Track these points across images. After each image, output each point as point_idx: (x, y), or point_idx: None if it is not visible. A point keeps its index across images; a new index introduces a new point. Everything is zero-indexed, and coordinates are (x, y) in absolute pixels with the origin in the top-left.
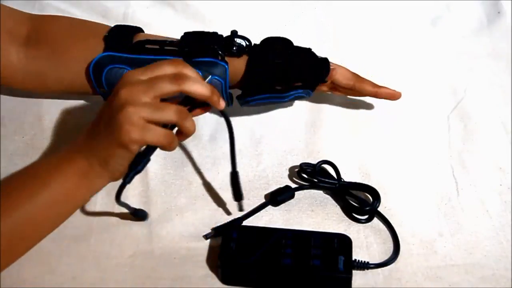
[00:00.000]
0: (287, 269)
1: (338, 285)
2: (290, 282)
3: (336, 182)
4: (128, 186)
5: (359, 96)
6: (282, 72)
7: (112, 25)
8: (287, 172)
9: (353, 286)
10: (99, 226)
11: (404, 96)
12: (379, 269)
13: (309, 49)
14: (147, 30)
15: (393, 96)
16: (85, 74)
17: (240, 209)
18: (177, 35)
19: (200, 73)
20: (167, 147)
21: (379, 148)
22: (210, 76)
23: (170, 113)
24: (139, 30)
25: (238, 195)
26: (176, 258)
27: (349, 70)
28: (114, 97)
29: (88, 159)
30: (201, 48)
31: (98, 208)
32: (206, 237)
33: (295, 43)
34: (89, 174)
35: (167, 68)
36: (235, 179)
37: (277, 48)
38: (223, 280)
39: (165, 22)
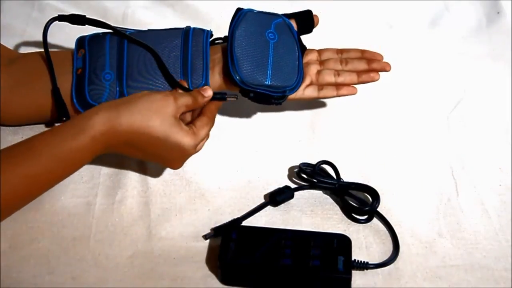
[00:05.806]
0: (287, 270)
1: (337, 285)
2: (290, 283)
3: (336, 182)
4: (128, 186)
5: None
6: None
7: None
8: (287, 172)
9: (352, 286)
10: (99, 226)
11: (404, 96)
12: (379, 269)
13: None
14: None
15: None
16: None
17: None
18: None
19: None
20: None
21: (378, 148)
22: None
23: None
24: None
25: None
26: (176, 258)
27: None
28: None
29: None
30: None
31: (97, 209)
32: (205, 237)
33: None
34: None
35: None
36: None
37: None
38: (223, 280)
39: (165, 22)
